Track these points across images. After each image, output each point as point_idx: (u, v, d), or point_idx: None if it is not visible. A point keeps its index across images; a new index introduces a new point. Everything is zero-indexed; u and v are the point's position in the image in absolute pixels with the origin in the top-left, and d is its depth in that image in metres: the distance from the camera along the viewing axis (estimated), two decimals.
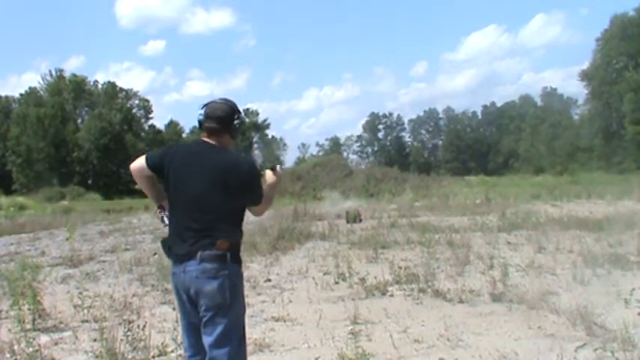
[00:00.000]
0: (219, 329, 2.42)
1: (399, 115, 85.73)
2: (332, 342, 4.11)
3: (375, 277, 6.04)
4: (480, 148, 76.51)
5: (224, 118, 2.56)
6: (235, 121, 2.59)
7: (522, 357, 3.66)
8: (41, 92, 65.08)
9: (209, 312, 2.43)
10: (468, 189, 27.27)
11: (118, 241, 11.22)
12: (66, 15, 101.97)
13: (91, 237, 12.37)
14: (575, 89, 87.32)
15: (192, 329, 2.55)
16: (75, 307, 4.91)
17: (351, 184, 30.56)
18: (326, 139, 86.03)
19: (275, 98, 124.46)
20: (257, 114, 78.81)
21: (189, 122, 70.20)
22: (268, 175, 2.77)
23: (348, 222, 12.97)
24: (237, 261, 2.55)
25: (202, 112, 2.58)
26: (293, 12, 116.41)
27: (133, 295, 5.85)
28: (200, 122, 2.59)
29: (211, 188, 2.46)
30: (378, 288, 5.72)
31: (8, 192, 43.48)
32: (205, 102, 2.63)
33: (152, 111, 71.50)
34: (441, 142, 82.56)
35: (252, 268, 7.25)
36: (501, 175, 51.77)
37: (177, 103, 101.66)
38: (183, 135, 68.72)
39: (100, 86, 68.05)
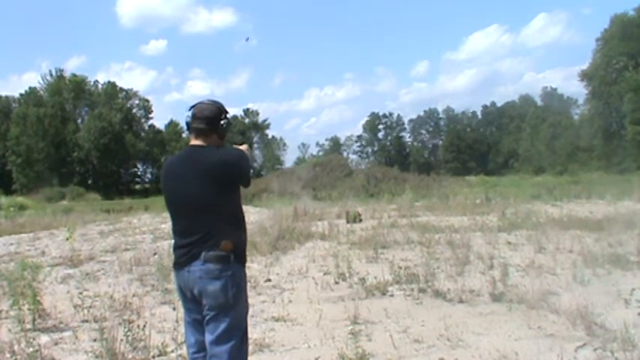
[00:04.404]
0: (221, 327, 2.46)
1: (399, 115, 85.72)
2: (332, 342, 4.11)
3: (375, 277, 6.04)
4: (480, 148, 76.47)
5: (211, 119, 2.59)
6: (222, 121, 2.62)
7: (522, 357, 3.66)
8: (41, 92, 65.07)
9: (212, 311, 2.48)
10: (468, 189, 27.27)
11: (118, 241, 11.22)
12: (67, 14, 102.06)
13: (91, 237, 12.37)
14: (575, 89, 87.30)
15: (197, 326, 2.59)
16: (75, 307, 4.90)
17: (351, 184, 30.57)
18: (326, 139, 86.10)
19: (276, 98, 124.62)
20: (257, 114, 78.93)
21: None
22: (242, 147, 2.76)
23: (348, 222, 12.99)
24: (241, 261, 2.58)
25: (189, 113, 2.62)
26: (294, 12, 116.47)
27: (133, 295, 5.85)
28: (188, 124, 2.63)
29: (207, 188, 2.48)
30: (378, 288, 5.72)
31: (8, 192, 43.48)
32: (192, 104, 2.67)
33: (152, 111, 71.50)
34: (441, 142, 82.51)
35: (252, 268, 7.25)
36: (501, 175, 51.81)
37: (178, 102, 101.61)
38: (183, 135, 68.77)
39: (100, 86, 68.08)
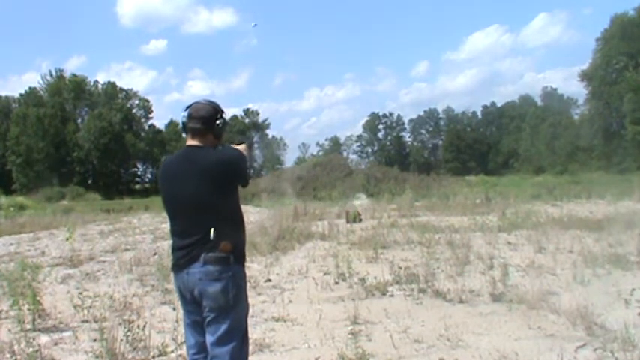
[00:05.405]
0: (222, 328, 2.46)
1: (399, 115, 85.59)
2: (332, 342, 4.11)
3: (375, 277, 6.04)
4: (480, 148, 76.42)
5: (207, 118, 2.57)
6: (218, 121, 2.60)
7: (522, 357, 3.66)
8: (41, 92, 65.07)
9: (212, 313, 2.47)
10: (468, 189, 27.29)
11: (118, 241, 11.22)
12: (67, 14, 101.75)
13: (91, 237, 12.37)
14: (575, 89, 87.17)
15: (196, 327, 2.58)
16: (75, 307, 4.91)
17: (351, 184, 30.59)
18: (326, 139, 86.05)
19: (276, 98, 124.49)
20: (257, 114, 78.91)
21: None
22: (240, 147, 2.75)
23: (348, 222, 13.00)
24: (241, 262, 2.57)
25: (185, 113, 2.60)
26: (295, 12, 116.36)
27: (133, 295, 5.86)
28: (184, 124, 2.61)
29: (205, 188, 2.47)
30: (378, 288, 5.72)
31: (8, 192, 43.43)
32: (188, 104, 2.65)
33: (152, 111, 71.46)
34: (441, 142, 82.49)
35: (252, 268, 7.26)
36: (501, 175, 51.80)
37: (178, 102, 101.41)
38: (184, 135, 68.18)
39: (100, 86, 68.07)
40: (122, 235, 12.76)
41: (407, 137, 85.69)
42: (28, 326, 4.57)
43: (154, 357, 3.89)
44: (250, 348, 2.78)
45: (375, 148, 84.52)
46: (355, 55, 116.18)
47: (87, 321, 4.87)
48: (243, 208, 2.76)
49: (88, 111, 65.62)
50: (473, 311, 4.88)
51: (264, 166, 73.68)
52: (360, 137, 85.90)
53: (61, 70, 66.90)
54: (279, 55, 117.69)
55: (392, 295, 5.60)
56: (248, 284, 2.76)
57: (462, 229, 10.23)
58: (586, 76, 51.99)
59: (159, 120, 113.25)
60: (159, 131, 70.70)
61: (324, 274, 6.76)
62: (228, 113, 2.78)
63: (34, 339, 3.95)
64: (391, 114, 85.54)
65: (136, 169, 70.21)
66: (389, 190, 25.73)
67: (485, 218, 12.03)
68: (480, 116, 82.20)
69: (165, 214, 2.70)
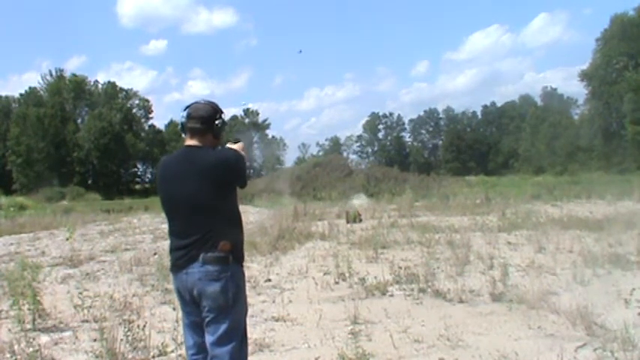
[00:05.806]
0: (221, 329, 2.45)
1: (399, 115, 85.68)
2: (332, 342, 4.11)
3: (375, 277, 6.04)
4: (480, 148, 76.44)
5: (207, 118, 2.57)
6: (217, 121, 2.60)
7: (522, 357, 3.66)
8: (41, 92, 65.07)
9: (212, 313, 2.46)
10: (468, 189, 27.30)
11: (118, 241, 11.23)
12: (67, 14, 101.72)
13: (91, 237, 12.38)
14: (575, 89, 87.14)
15: (196, 328, 2.57)
16: (75, 307, 4.90)
17: (351, 184, 30.59)
18: (326, 139, 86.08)
19: (276, 98, 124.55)
20: (257, 114, 78.90)
21: None
22: (237, 146, 2.74)
23: (348, 222, 13.00)
24: (239, 261, 2.57)
25: (184, 113, 2.60)
26: (294, 12, 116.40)
27: (133, 295, 5.86)
28: (183, 124, 2.61)
29: (204, 188, 2.46)
30: (378, 288, 5.73)
31: (8, 192, 43.47)
32: (187, 104, 2.64)
33: (152, 111, 71.47)
34: (441, 142, 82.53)
35: (252, 268, 7.26)
36: (501, 175, 51.81)
37: (178, 102, 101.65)
38: (183, 135, 68.25)
39: (100, 86, 68.07)
40: (122, 235, 12.77)
41: (407, 137, 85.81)
42: (28, 326, 4.57)
43: (153, 357, 3.89)
44: (250, 348, 2.79)
45: (375, 148, 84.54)
46: (355, 55, 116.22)
47: (87, 321, 4.88)
48: (243, 208, 2.75)
49: (88, 111, 65.57)
50: (473, 311, 4.88)
51: (264, 166, 73.66)
52: (360, 137, 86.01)
53: (61, 70, 66.98)
54: (279, 55, 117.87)
55: (392, 295, 5.60)
56: (248, 284, 2.77)
57: (461, 229, 10.23)
58: (586, 76, 51.99)
59: (159, 120, 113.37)
60: (159, 131, 70.72)
61: (324, 274, 6.76)
62: (228, 113, 2.77)
63: (34, 339, 3.95)
64: (391, 114, 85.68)
65: (136, 169, 70.22)
66: (389, 190, 25.74)
67: (485, 218, 12.04)
68: (480, 116, 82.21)
69: (164, 214, 2.70)
